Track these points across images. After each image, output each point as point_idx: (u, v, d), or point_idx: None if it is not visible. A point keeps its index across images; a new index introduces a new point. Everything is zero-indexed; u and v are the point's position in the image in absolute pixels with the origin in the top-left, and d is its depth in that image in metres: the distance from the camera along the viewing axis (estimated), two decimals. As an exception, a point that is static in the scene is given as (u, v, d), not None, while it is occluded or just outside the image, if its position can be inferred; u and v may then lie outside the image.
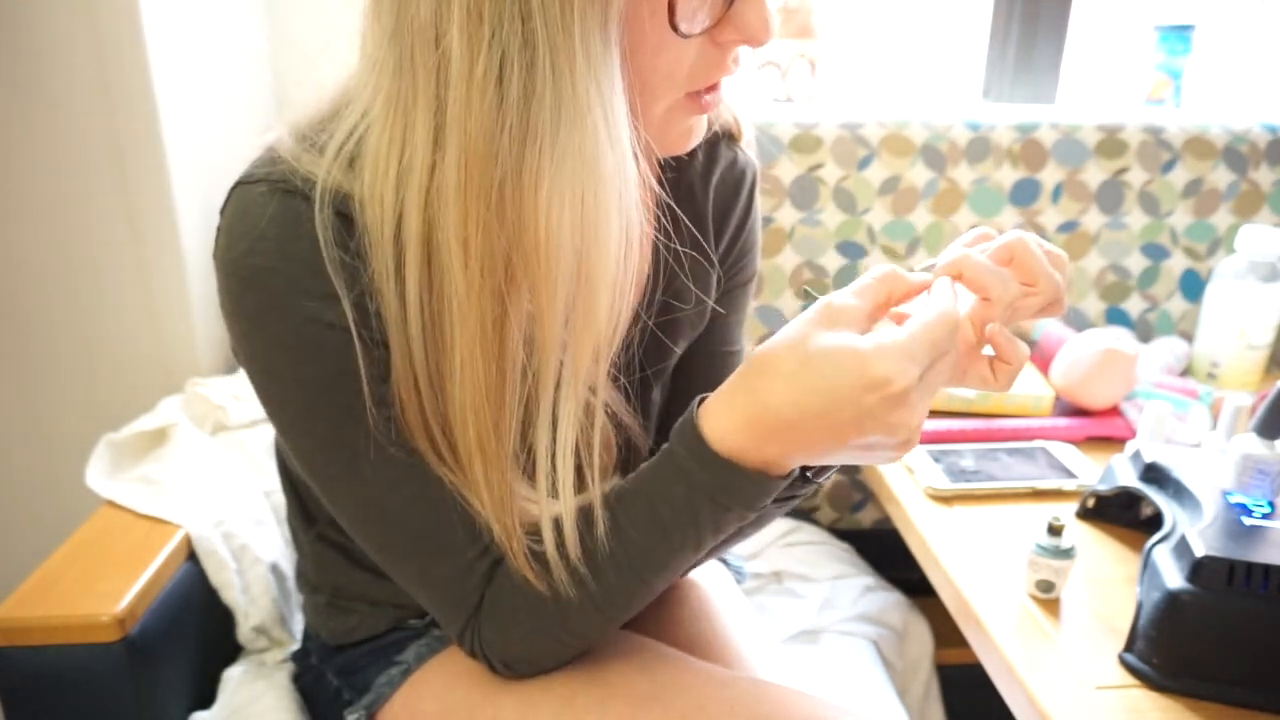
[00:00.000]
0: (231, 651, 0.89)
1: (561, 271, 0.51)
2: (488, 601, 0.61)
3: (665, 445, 0.57)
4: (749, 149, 0.74)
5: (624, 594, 0.59)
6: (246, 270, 0.54)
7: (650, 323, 0.67)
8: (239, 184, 0.56)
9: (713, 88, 0.56)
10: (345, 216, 0.54)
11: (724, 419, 0.53)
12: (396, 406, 0.56)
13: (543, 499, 0.56)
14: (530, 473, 0.57)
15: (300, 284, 0.54)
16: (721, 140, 0.72)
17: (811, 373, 0.50)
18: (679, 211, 0.67)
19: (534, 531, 0.58)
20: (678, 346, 0.73)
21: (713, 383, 0.78)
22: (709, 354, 0.77)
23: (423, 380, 0.55)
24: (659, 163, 0.69)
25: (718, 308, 0.74)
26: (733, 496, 0.54)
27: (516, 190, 0.50)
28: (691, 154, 0.70)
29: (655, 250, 0.68)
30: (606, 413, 0.61)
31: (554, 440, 0.55)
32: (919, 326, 0.50)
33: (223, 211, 0.56)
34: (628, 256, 0.53)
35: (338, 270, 0.54)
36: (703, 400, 0.56)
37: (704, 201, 0.71)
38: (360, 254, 0.54)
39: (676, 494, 0.55)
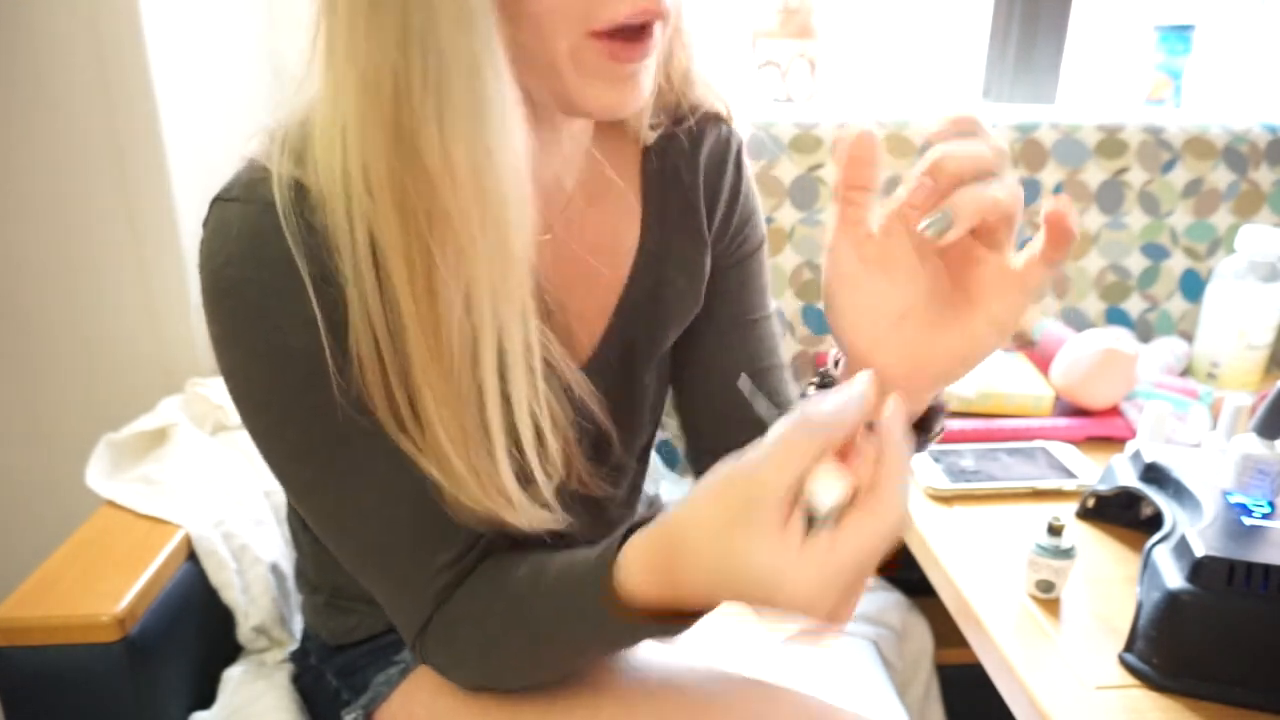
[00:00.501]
0: (231, 651, 0.89)
1: (464, 205, 0.51)
2: (435, 623, 0.61)
3: (589, 568, 0.55)
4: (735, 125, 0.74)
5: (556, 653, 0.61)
6: (225, 282, 0.55)
7: (640, 309, 0.67)
8: (216, 200, 0.56)
9: (631, 39, 0.52)
10: (303, 186, 0.54)
11: (640, 579, 0.52)
12: (359, 382, 0.55)
13: (499, 454, 0.56)
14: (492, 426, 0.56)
15: (273, 286, 0.54)
16: (707, 123, 0.72)
17: (728, 577, 0.47)
18: (667, 198, 0.67)
19: (503, 529, 0.58)
20: (669, 332, 0.73)
21: (748, 353, 0.77)
22: (738, 324, 0.76)
23: (384, 343, 0.54)
24: (647, 154, 0.69)
25: (735, 280, 0.74)
26: (648, 635, 0.55)
27: (411, 128, 0.50)
28: (675, 140, 0.70)
29: (642, 232, 0.68)
30: (572, 396, 0.61)
31: (504, 392, 0.55)
32: (849, 545, 0.44)
33: (205, 225, 0.57)
34: (520, 188, 0.52)
35: (303, 256, 0.53)
36: (629, 533, 0.54)
37: (693, 183, 0.71)
38: (321, 231, 0.54)
39: (595, 617, 0.55)
